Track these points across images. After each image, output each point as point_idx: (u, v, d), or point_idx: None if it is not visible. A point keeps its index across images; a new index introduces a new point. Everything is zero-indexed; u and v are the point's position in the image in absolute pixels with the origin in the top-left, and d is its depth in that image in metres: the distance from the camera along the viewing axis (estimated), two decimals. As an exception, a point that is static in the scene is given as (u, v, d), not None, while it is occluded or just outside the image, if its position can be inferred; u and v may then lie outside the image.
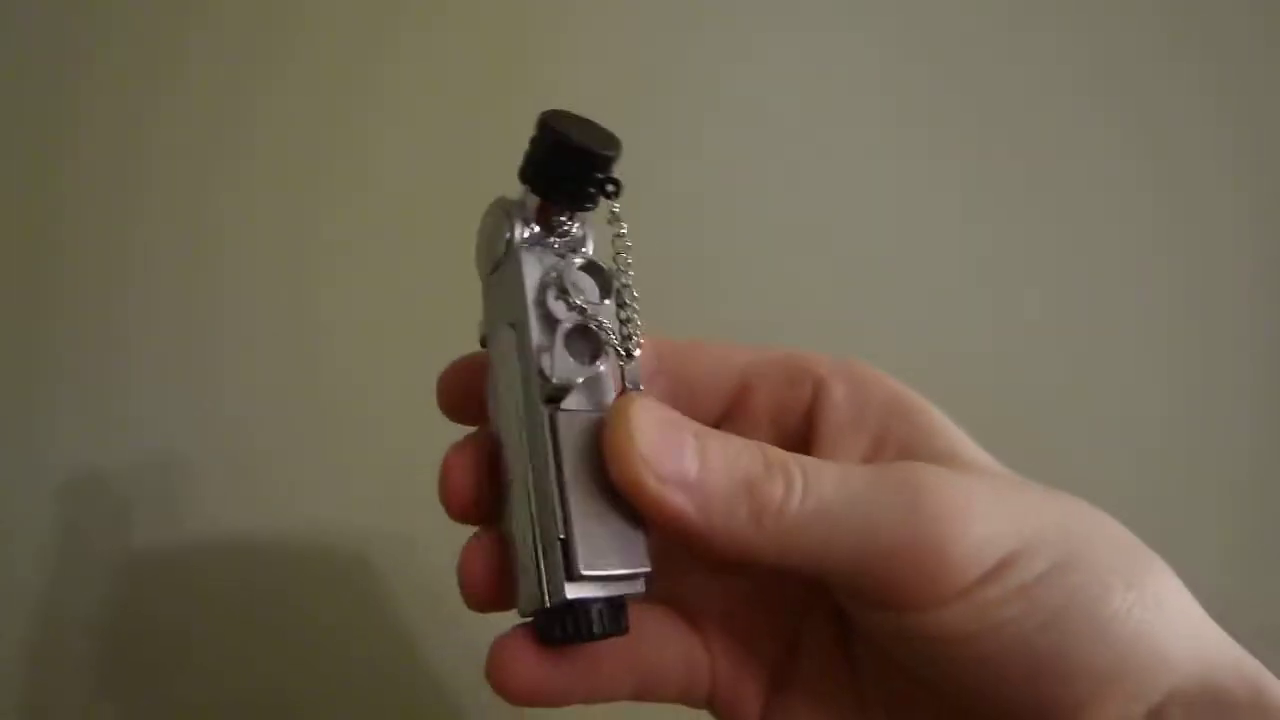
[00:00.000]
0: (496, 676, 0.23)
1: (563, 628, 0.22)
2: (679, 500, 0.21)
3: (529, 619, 0.24)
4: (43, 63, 0.40)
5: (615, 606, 0.23)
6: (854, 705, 0.25)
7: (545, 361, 0.23)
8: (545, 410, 0.23)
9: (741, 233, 0.51)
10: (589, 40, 0.49)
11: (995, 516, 0.21)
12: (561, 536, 0.22)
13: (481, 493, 0.24)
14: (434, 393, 0.28)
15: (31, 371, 0.39)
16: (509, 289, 0.24)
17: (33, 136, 0.39)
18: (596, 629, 0.22)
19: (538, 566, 0.22)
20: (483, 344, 0.26)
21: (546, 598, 0.22)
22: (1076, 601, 0.20)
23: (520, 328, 0.23)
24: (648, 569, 0.23)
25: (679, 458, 0.21)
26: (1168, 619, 0.21)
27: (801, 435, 0.26)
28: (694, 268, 0.48)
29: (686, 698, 0.26)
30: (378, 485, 0.43)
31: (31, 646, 0.38)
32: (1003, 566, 0.20)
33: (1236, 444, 0.57)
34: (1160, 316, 0.58)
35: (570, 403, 0.23)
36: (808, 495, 0.21)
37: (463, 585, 0.24)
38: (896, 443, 0.25)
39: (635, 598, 0.23)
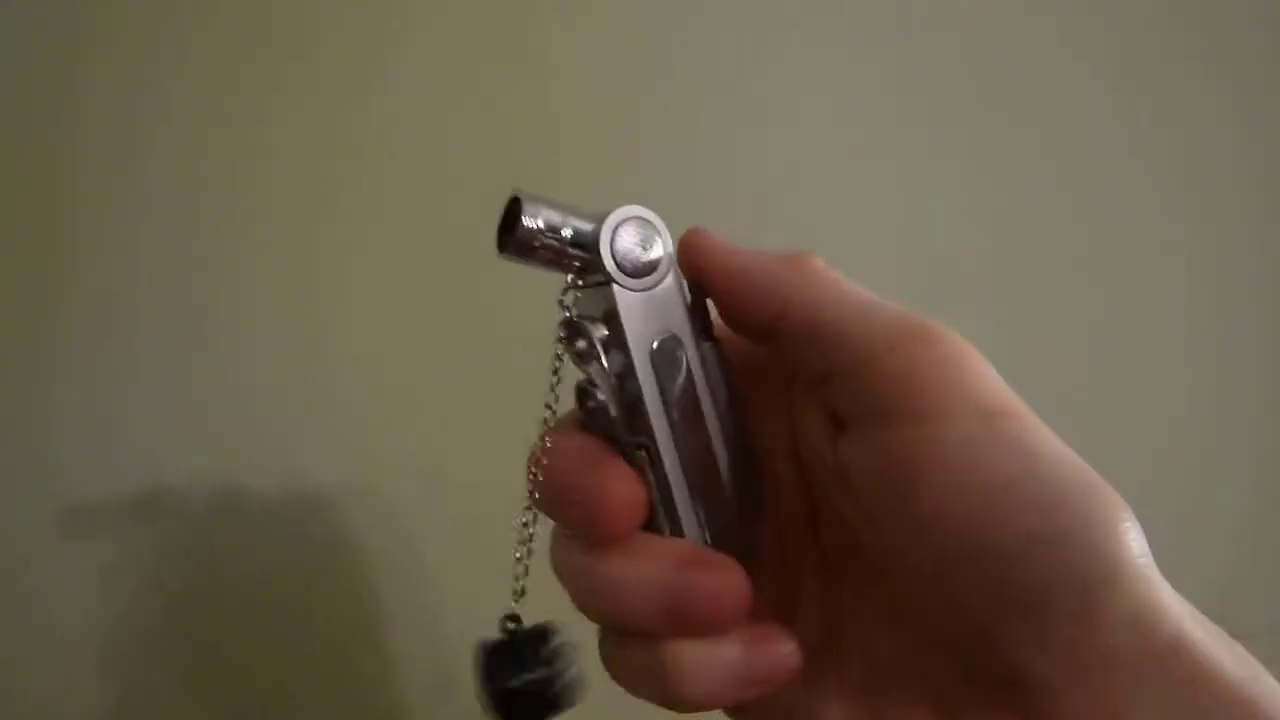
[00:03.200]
0: None
1: None
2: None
3: None
4: (44, 64, 0.40)
5: None
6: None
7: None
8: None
9: (744, 232, 0.50)
10: (591, 40, 0.49)
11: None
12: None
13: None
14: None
15: (32, 372, 0.39)
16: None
17: (33, 137, 0.40)
18: None
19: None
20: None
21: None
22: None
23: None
24: None
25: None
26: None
27: None
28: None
29: None
30: (378, 485, 0.43)
31: (31, 647, 0.38)
32: (999, 415, 0.22)
33: (1243, 441, 0.57)
34: (1167, 315, 0.58)
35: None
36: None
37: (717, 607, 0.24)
38: None
39: None
